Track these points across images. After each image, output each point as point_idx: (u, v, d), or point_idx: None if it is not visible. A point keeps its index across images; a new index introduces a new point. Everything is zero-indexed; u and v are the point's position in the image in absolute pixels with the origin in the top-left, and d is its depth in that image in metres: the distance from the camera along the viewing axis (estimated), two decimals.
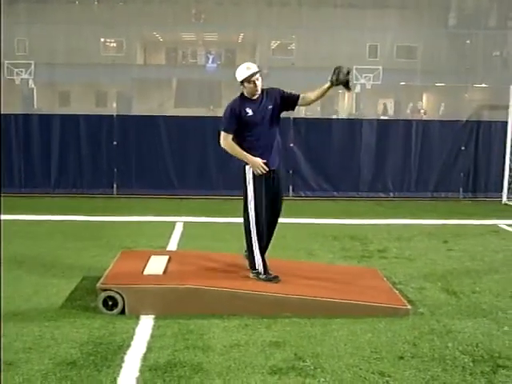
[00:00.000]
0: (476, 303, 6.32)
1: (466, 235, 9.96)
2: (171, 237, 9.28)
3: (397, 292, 6.42)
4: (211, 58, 37.79)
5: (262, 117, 6.27)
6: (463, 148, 13.97)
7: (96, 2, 33.89)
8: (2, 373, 4.42)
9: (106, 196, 13.31)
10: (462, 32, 33.30)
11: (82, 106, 30.43)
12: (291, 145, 13.33)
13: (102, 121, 13.66)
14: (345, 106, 37.91)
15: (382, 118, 27.86)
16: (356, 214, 11.79)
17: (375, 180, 13.91)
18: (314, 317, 5.66)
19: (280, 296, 5.89)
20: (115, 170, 13.49)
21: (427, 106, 36.02)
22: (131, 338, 5.16)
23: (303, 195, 13.72)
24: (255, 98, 6.29)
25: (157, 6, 32.10)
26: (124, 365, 4.64)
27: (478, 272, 7.62)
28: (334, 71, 6.26)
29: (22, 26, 30.22)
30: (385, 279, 6.88)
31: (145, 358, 4.77)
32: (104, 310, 5.71)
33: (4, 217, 9.84)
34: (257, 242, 6.33)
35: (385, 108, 35.38)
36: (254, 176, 6.27)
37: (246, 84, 6.20)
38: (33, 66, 29.28)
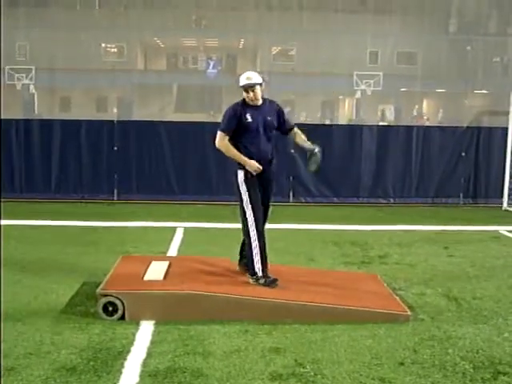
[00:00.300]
0: (477, 309, 6.31)
1: (466, 241, 9.96)
2: (171, 242, 9.28)
3: (397, 298, 6.41)
4: (212, 63, 37.86)
5: (259, 125, 6.37)
6: (463, 154, 13.97)
7: (97, 8, 33.97)
8: (1, 378, 4.42)
9: (106, 201, 13.31)
10: (462, 38, 33.38)
11: (82, 111, 30.49)
12: (291, 151, 13.32)
13: (103, 126, 13.67)
14: (345, 112, 37.97)
15: (382, 124, 27.89)
16: (356, 220, 11.79)
17: (375, 186, 13.91)
18: (315, 323, 5.66)
19: (280, 302, 5.88)
20: (115, 175, 13.49)
21: (427, 112, 36.07)
22: (131, 343, 5.15)
23: (303, 201, 13.72)
24: (256, 105, 6.37)
25: (158, 12, 32.20)
26: (124, 370, 4.63)
27: (479, 278, 7.61)
28: (310, 157, 6.73)
29: (22, 31, 30.31)
30: (385, 285, 6.87)
31: (145, 363, 4.76)
32: (104, 315, 5.70)
33: (4, 222, 9.84)
34: (257, 245, 6.32)
35: (383, 114, 35.42)
36: (247, 179, 6.32)
37: (244, 91, 6.32)
38: (33, 72, 29.36)
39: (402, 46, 34.08)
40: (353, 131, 14.30)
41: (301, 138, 6.75)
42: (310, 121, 30.56)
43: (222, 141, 6.36)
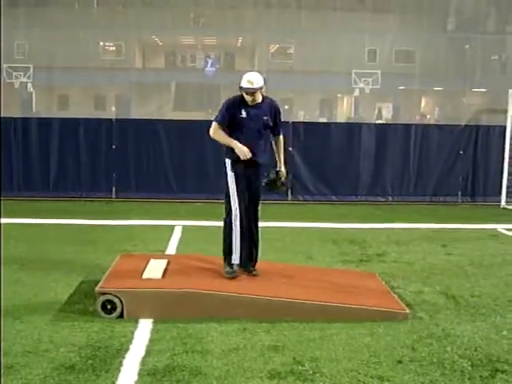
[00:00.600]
0: (475, 307, 6.32)
1: (464, 239, 9.97)
2: (170, 240, 9.28)
3: (395, 296, 6.42)
4: (210, 61, 37.79)
5: (254, 122, 6.43)
6: (462, 152, 13.99)
7: (95, 6, 33.91)
8: (1, 377, 4.42)
9: (104, 199, 13.31)
10: (460, 36, 33.34)
11: (80, 109, 30.41)
12: (290, 149, 13.32)
13: (101, 124, 13.66)
14: (343, 110, 37.94)
15: (380, 122, 27.89)
16: (355, 218, 11.80)
17: (374, 184, 13.92)
18: (313, 321, 5.66)
19: (279, 300, 5.88)
20: (114, 173, 13.50)
21: (425, 110, 36.06)
22: (130, 341, 5.15)
23: (302, 199, 13.73)
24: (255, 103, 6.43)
25: (156, 10, 32.13)
26: (123, 369, 4.64)
27: (477, 276, 7.62)
28: (275, 179, 6.72)
29: (21, 29, 30.23)
30: (383, 283, 6.88)
31: (143, 361, 4.76)
32: (103, 313, 5.70)
33: (3, 220, 9.84)
34: (239, 234, 6.43)
35: (379, 112, 35.38)
36: (234, 168, 6.44)
37: (244, 92, 6.37)
38: (32, 70, 29.29)
39: (400, 44, 34.02)
40: (351, 129, 14.30)
41: (280, 150, 6.79)
42: (308, 119, 30.60)
43: (216, 130, 6.47)
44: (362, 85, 30.36)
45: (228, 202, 6.48)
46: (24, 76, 29.28)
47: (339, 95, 38.25)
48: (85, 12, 33.01)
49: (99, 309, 5.72)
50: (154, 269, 6.46)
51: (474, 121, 15.03)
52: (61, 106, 34.43)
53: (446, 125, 14.90)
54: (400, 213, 12.72)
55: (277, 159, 6.80)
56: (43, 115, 24.90)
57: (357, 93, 31.24)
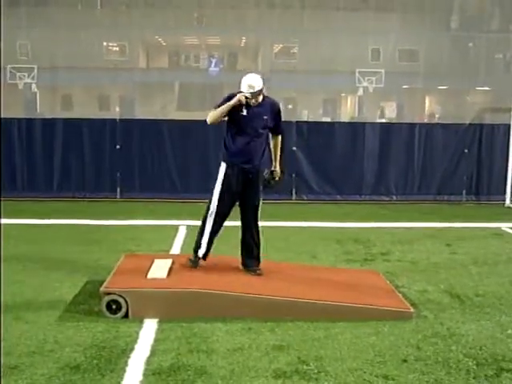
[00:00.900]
0: (479, 306, 6.32)
1: (468, 238, 9.96)
2: (174, 240, 9.29)
3: (400, 295, 6.42)
4: (214, 61, 37.76)
5: (253, 120, 6.48)
6: (466, 151, 13.97)
7: (99, 7, 33.93)
8: (1, 378, 4.42)
9: (109, 200, 13.32)
10: (464, 35, 33.24)
11: (84, 109, 30.38)
12: (294, 148, 13.34)
13: (105, 125, 13.66)
14: (347, 109, 37.91)
15: (383, 121, 27.82)
16: (359, 217, 11.79)
17: (378, 183, 13.91)
18: (317, 320, 5.66)
19: (283, 299, 5.89)
20: (118, 173, 13.51)
21: (434, 110, 35.97)
22: (135, 341, 5.16)
23: (306, 198, 13.72)
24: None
25: (159, 10, 32.12)
26: (128, 368, 4.65)
27: (481, 275, 7.62)
28: (270, 179, 6.79)
29: (24, 29, 30.18)
30: (388, 282, 6.88)
31: (148, 361, 4.77)
32: (108, 313, 5.71)
33: (7, 221, 9.86)
34: (208, 233, 6.67)
35: (382, 112, 35.31)
36: (227, 172, 6.54)
37: None
38: (35, 70, 29.31)
39: (403, 43, 33.89)
40: (355, 129, 14.29)
41: (277, 149, 6.82)
42: (312, 118, 30.54)
43: (210, 113, 6.57)
44: (365, 84, 30.31)
45: (210, 201, 6.66)
46: (28, 77, 29.31)
47: (343, 94, 38.18)
48: (88, 12, 33.00)
49: (104, 309, 5.73)
50: (159, 269, 6.47)
51: (478, 119, 15.00)
52: (65, 106, 34.41)
53: (450, 124, 14.85)
54: (404, 212, 12.70)
55: (273, 158, 6.81)
56: (47, 116, 24.90)
57: (360, 92, 31.18)
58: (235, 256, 6.95)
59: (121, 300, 5.71)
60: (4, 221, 9.63)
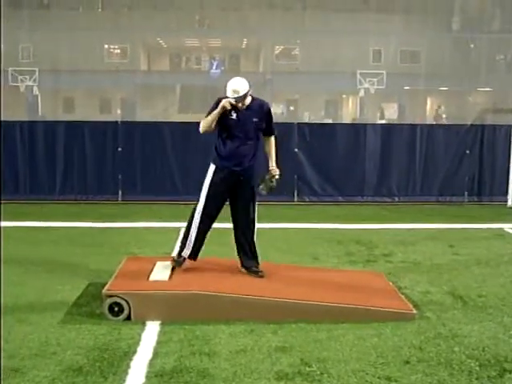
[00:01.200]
0: (482, 307, 6.31)
1: (471, 239, 9.94)
2: (176, 242, 9.27)
3: (402, 296, 6.41)
4: (215, 63, 37.85)
5: (243, 124, 6.46)
6: (468, 152, 13.95)
7: (100, 9, 34.00)
8: (1, 380, 4.42)
9: (110, 202, 13.32)
10: (465, 36, 33.30)
11: (86, 112, 30.48)
12: (296, 150, 13.34)
13: (107, 127, 13.66)
14: (349, 110, 37.93)
15: (384, 122, 27.84)
16: (361, 219, 11.79)
17: (380, 184, 13.89)
18: (320, 322, 5.66)
19: (286, 301, 5.88)
20: (120, 176, 13.50)
21: (440, 111, 35.96)
22: (137, 343, 5.16)
23: (307, 200, 13.71)
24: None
25: (160, 13, 32.21)
26: (130, 371, 4.64)
27: (484, 276, 7.61)
28: (267, 180, 6.71)
29: (26, 32, 30.30)
30: (390, 283, 6.87)
31: (151, 364, 4.76)
32: (110, 316, 5.71)
33: (9, 223, 9.87)
34: (195, 236, 6.62)
35: (381, 113, 35.34)
36: (214, 175, 6.67)
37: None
38: (37, 73, 29.37)
39: (405, 44, 33.97)
40: (357, 130, 14.26)
41: (271, 150, 6.78)
42: (313, 120, 30.57)
43: (201, 123, 6.67)
44: (367, 85, 30.34)
45: (197, 202, 6.67)
46: (30, 79, 29.36)
47: (344, 96, 38.27)
48: (89, 15, 33.12)
49: (106, 311, 5.73)
50: (161, 271, 6.47)
51: (479, 120, 15.00)
52: (66, 108, 34.52)
53: (451, 124, 14.86)
54: (406, 213, 12.69)
55: (269, 159, 6.78)
56: (49, 118, 24.94)
57: (362, 93, 31.22)
58: (235, 257, 6.96)
59: (123, 302, 5.70)
60: (6, 223, 9.63)
